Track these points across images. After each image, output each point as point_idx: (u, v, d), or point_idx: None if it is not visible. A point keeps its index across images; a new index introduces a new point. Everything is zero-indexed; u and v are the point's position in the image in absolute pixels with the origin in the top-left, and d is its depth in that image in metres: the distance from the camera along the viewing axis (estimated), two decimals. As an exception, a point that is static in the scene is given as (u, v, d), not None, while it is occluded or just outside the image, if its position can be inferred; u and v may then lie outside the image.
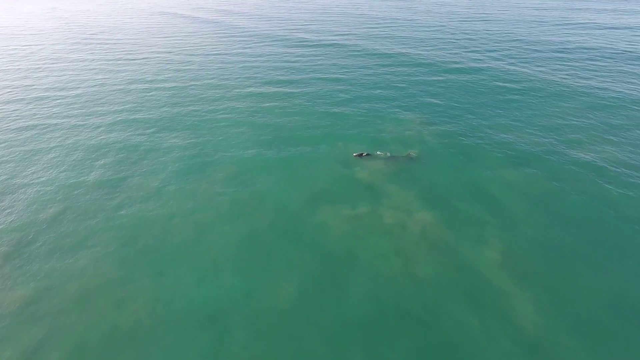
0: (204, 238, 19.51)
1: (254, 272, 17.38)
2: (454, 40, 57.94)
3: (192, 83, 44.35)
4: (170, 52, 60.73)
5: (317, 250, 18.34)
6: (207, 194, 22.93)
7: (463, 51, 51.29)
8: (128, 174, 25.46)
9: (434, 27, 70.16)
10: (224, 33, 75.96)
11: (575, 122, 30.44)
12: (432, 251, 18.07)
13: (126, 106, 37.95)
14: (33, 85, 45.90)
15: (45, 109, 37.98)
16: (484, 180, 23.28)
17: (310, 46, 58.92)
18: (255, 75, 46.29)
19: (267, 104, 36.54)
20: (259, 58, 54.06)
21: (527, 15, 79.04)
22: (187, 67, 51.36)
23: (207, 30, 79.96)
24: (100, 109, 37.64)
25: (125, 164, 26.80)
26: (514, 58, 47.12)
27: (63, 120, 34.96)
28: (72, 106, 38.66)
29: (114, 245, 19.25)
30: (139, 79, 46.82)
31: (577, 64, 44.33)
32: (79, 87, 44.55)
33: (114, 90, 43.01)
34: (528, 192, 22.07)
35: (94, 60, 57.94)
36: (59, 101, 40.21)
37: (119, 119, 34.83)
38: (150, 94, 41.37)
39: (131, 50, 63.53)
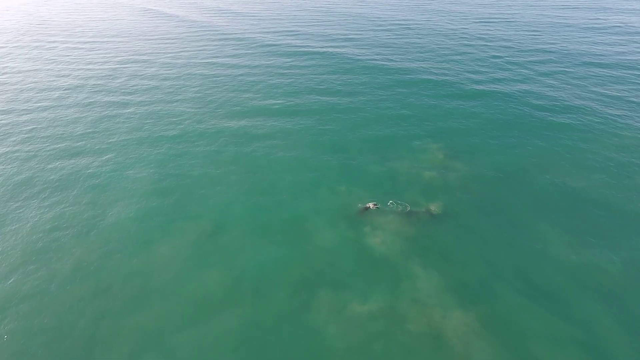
0: None
1: None
2: (489, 50, 50.74)
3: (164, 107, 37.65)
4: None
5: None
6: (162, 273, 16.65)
7: (502, 65, 44.45)
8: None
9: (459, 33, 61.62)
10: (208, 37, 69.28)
11: None
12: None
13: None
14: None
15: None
16: (537, 261, 17.36)
17: (302, 54, 52.05)
18: (228, 97, 37.67)
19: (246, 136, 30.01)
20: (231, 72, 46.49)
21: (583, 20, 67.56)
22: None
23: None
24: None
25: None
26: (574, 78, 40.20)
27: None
28: None
29: None
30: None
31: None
32: None
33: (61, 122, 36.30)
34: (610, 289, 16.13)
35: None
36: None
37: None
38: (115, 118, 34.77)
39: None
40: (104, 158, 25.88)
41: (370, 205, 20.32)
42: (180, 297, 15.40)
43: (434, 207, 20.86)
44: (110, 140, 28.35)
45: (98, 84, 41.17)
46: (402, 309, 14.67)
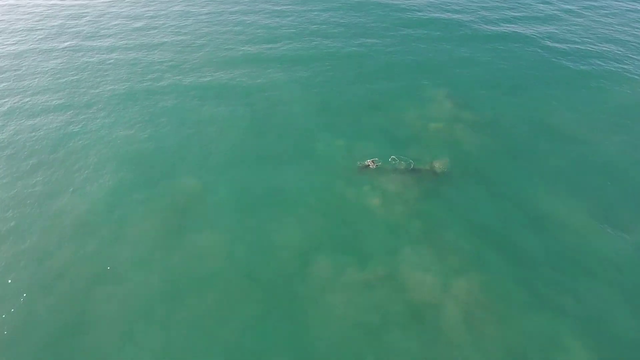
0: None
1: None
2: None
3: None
4: None
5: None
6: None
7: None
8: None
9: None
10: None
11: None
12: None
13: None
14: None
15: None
16: (547, 226, 16.39)
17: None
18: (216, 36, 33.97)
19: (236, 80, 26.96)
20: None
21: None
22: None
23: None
24: None
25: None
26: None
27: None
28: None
29: None
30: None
31: None
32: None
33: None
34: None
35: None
36: None
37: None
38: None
39: None
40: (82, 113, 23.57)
41: (370, 163, 18.86)
42: (168, 266, 14.56)
43: (438, 164, 19.43)
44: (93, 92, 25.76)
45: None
46: (402, 275, 13.94)
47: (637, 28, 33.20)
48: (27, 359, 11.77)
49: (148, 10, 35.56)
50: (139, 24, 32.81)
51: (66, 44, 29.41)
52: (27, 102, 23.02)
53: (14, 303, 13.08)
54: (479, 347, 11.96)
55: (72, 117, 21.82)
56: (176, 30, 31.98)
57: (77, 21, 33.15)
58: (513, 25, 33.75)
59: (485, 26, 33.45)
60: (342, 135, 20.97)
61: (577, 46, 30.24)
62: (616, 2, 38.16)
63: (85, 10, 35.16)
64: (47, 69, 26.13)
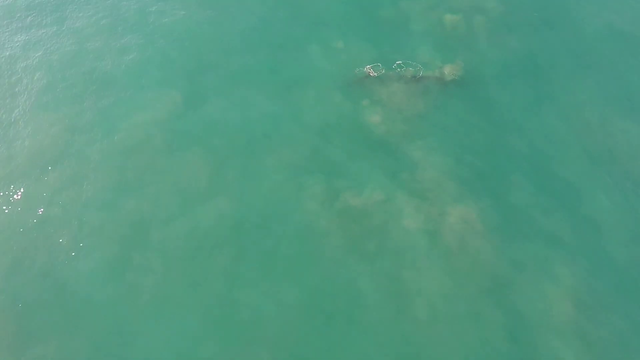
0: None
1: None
2: None
3: None
4: None
5: (297, 285, 12.02)
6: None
7: None
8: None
9: None
10: None
11: None
12: (481, 288, 11.97)
13: None
14: None
15: None
16: (560, 148, 15.09)
17: None
18: None
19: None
20: None
21: None
22: None
23: None
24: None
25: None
26: None
27: None
28: None
29: None
30: None
31: None
32: None
33: None
34: None
35: None
36: None
37: None
38: None
39: None
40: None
41: (369, 70, 16.53)
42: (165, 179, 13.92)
43: (449, 70, 17.10)
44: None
45: None
46: (400, 201, 13.42)
47: None
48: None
49: None
50: None
51: None
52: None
53: None
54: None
55: None
56: None
57: None
58: None
59: None
60: (341, 35, 17.99)
61: None
62: None
63: None
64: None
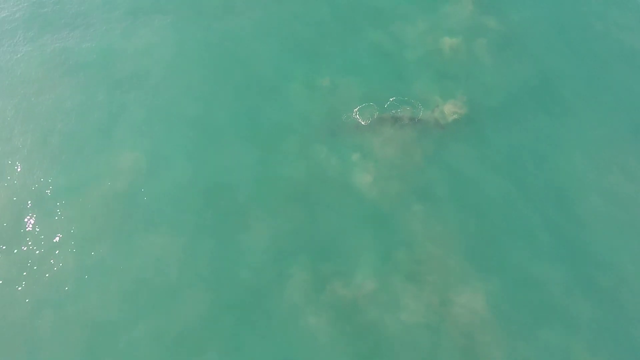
0: None
1: None
2: None
3: None
4: None
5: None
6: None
7: None
8: None
9: None
10: None
11: None
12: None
13: None
14: None
15: None
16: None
17: None
18: None
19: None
20: None
21: None
22: None
23: None
24: None
25: None
26: None
27: None
28: None
29: None
30: None
31: None
32: None
33: None
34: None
35: None
36: None
37: None
38: None
39: None
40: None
41: (359, 119, 14.24)
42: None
43: (450, 109, 14.84)
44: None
45: None
46: (395, 291, 11.62)
47: None
48: None
49: None
50: None
51: None
52: None
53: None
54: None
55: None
56: None
57: None
58: None
59: None
60: (325, 68, 15.50)
61: None
62: None
63: None
64: None
